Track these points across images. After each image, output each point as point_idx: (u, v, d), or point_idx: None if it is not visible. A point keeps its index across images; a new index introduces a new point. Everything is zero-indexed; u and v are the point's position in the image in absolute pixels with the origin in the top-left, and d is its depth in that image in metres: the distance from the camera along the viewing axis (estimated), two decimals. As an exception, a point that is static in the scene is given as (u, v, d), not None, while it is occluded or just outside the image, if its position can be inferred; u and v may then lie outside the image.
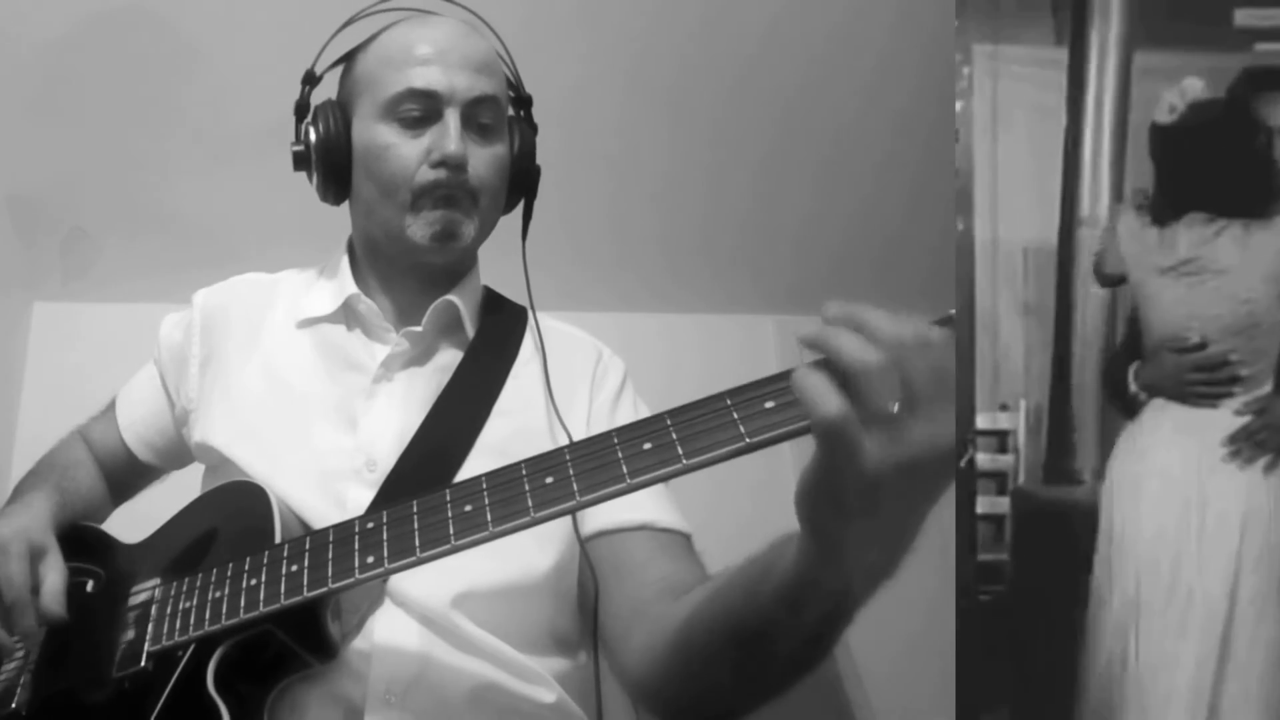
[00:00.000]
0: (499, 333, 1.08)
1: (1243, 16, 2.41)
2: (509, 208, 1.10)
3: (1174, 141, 1.81)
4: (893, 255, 2.32)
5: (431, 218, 1.00)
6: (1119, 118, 2.09)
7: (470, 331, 1.07)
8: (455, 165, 0.98)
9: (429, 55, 1.00)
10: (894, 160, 2.33)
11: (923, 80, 2.15)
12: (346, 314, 1.07)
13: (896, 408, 0.58)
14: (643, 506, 0.97)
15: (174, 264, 1.75)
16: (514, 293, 1.14)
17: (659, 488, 1.00)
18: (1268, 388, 1.60)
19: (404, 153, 0.99)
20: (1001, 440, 2.46)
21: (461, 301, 1.06)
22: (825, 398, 0.58)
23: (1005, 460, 2.43)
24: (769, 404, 0.67)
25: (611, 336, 1.15)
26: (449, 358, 1.06)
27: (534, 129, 1.10)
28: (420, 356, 1.05)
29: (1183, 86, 1.83)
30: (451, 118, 0.99)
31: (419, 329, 1.03)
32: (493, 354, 1.05)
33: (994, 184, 2.35)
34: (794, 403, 0.65)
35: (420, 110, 0.99)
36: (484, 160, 1.02)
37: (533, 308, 1.10)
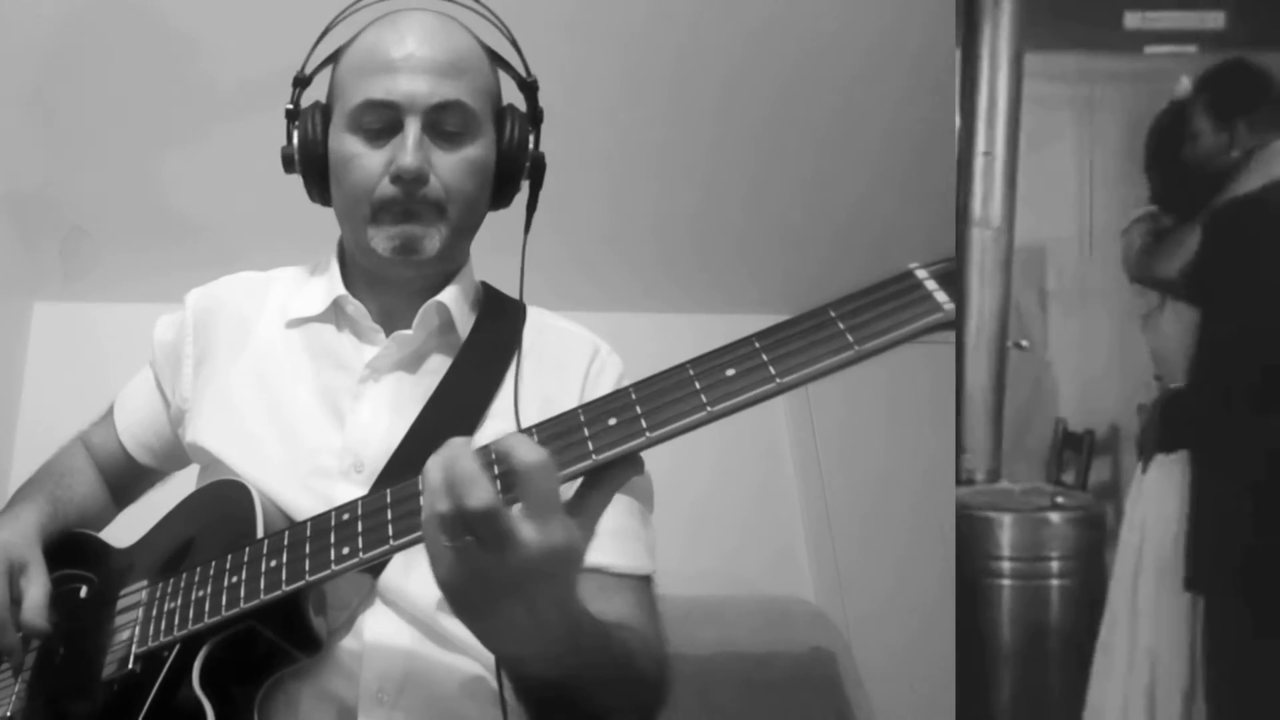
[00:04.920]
0: (494, 333, 1.06)
1: (1132, 19, 2.43)
2: (506, 202, 1.08)
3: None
4: (886, 255, 2.30)
5: (391, 232, 0.98)
6: (1011, 118, 2.11)
7: (463, 333, 1.05)
8: (411, 179, 0.96)
9: (391, 62, 0.97)
10: (887, 159, 2.33)
11: (916, 78, 2.15)
12: (336, 314, 1.06)
13: (464, 541, 0.68)
14: (603, 548, 0.89)
15: (174, 264, 1.75)
16: (511, 291, 1.13)
17: (625, 527, 1.00)
18: None
19: (365, 165, 0.98)
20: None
21: (452, 303, 1.04)
22: (430, 499, 0.69)
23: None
24: (730, 371, 0.68)
25: (605, 336, 1.13)
26: (440, 360, 1.04)
27: (537, 117, 1.06)
28: (409, 359, 1.04)
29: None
30: (411, 128, 0.96)
31: (409, 332, 1.02)
32: (487, 355, 1.04)
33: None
34: (756, 368, 0.67)
35: (380, 122, 0.97)
36: (450, 167, 0.98)
37: (523, 308, 1.08)
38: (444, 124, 0.98)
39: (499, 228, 1.10)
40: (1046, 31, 2.19)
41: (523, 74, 1.07)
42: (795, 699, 2.24)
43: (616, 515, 0.97)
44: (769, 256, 2.58)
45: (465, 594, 0.70)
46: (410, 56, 0.97)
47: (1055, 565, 1.94)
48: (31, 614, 0.93)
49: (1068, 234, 2.48)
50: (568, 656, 0.76)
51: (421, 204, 0.98)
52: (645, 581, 1.01)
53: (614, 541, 0.97)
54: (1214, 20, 2.42)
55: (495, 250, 1.11)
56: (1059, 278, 2.52)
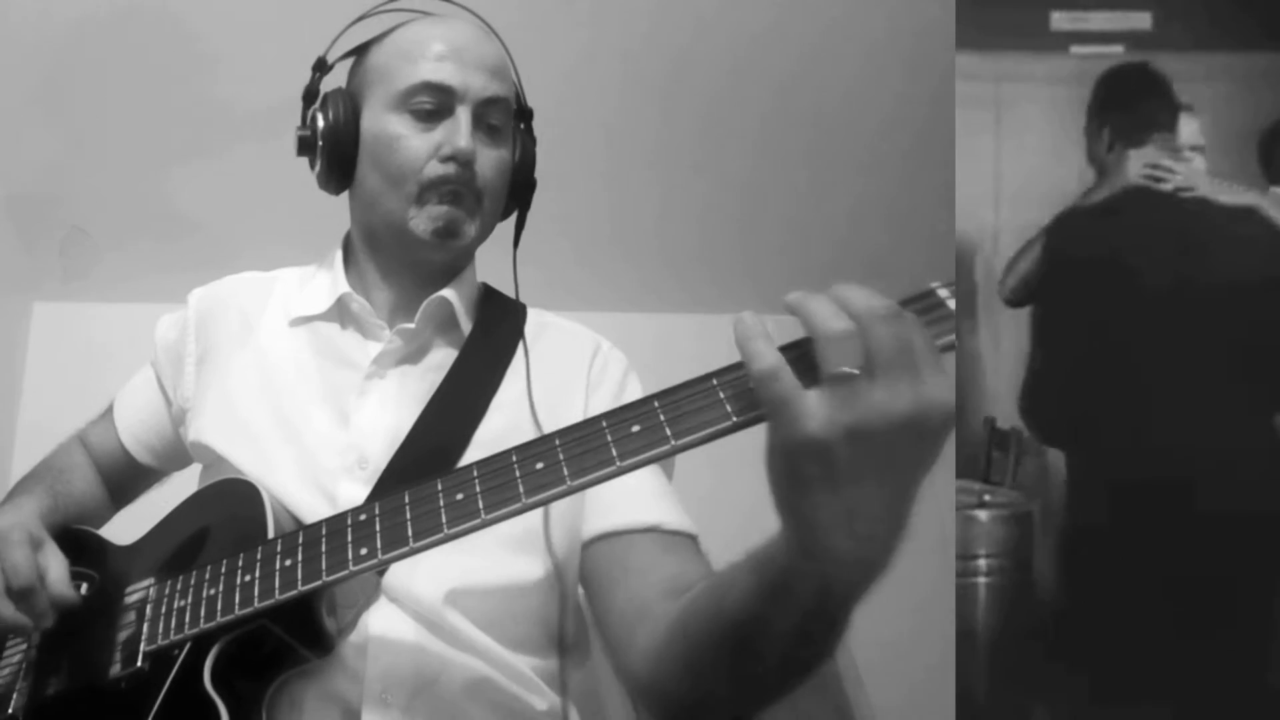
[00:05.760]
0: (495, 330, 1.08)
1: (1059, 19, 2.44)
2: (504, 214, 1.10)
3: None
4: (888, 254, 2.31)
5: (436, 213, 1.00)
6: (943, 119, 2.11)
7: (465, 329, 1.06)
8: (465, 161, 0.99)
9: (444, 52, 1.00)
10: (887, 159, 2.33)
11: (915, 78, 2.15)
12: (340, 312, 1.06)
13: (855, 371, 0.59)
14: (650, 509, 0.98)
15: (173, 264, 1.74)
16: (511, 291, 1.14)
17: (666, 489, 1.01)
18: None
19: (414, 145, 1.00)
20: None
21: (456, 298, 1.05)
22: (761, 351, 0.61)
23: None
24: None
25: (609, 335, 1.14)
26: (443, 355, 1.05)
27: (534, 141, 1.10)
28: (414, 354, 1.04)
29: None
30: (463, 114, 0.99)
31: (412, 326, 1.03)
32: (488, 352, 1.05)
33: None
34: None
35: (433, 104, 1.00)
36: (490, 162, 1.02)
37: (523, 307, 1.10)
38: (489, 118, 1.02)
39: (499, 229, 1.11)
40: (973, 31, 2.20)
41: (524, 101, 1.10)
42: (795, 699, 2.24)
43: (653, 478, 1.00)
44: (772, 257, 2.58)
45: (834, 452, 0.60)
46: (464, 50, 1.01)
47: (983, 563, 1.94)
48: (58, 585, 0.93)
49: (995, 232, 2.49)
50: (859, 569, 0.66)
51: (468, 188, 1.01)
52: (696, 541, 1.01)
53: (661, 503, 0.99)
54: (1140, 21, 2.42)
55: (495, 251, 1.11)
56: (987, 275, 2.52)
